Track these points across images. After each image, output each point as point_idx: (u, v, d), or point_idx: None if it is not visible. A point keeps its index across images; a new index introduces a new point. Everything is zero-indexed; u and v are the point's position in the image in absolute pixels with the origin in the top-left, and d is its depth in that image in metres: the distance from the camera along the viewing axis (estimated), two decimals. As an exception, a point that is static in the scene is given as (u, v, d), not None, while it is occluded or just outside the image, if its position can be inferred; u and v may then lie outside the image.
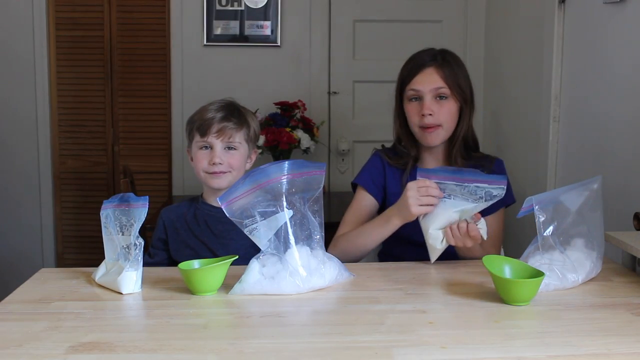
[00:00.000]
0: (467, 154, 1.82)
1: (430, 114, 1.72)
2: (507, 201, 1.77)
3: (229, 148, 1.72)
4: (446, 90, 1.74)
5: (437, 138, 1.76)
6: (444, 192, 1.56)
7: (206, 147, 1.72)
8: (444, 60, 1.76)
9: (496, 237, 1.77)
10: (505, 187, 1.52)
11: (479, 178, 1.53)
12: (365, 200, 1.81)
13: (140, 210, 1.40)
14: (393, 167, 1.83)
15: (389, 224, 1.63)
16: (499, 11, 3.42)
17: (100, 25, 3.60)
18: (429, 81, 1.74)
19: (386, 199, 1.82)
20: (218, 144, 1.71)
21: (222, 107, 1.75)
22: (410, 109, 1.76)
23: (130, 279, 1.39)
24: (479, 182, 1.53)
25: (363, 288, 1.44)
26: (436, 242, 1.57)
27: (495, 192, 1.52)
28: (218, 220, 1.70)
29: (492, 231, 1.72)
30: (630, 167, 2.06)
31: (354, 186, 1.86)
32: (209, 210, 1.75)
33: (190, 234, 1.76)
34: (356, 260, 1.71)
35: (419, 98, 1.75)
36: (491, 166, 1.81)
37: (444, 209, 1.56)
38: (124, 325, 1.20)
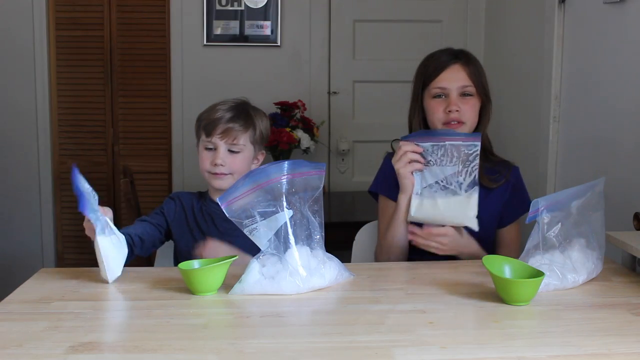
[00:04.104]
0: (484, 155, 1.80)
1: (457, 110, 1.73)
2: (526, 210, 1.79)
3: (233, 150, 1.73)
4: (472, 89, 1.75)
5: None
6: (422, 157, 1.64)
7: (211, 148, 1.73)
8: (468, 59, 1.78)
9: (515, 244, 1.81)
10: (479, 143, 1.59)
11: (454, 136, 1.61)
12: (388, 205, 1.80)
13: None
14: None
15: (399, 203, 1.69)
16: (499, 11, 3.42)
17: (100, 25, 3.60)
18: (455, 78, 1.74)
19: None
20: (222, 145, 1.72)
21: (231, 107, 1.76)
22: (435, 104, 1.75)
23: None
24: (453, 140, 1.59)
25: (363, 288, 1.44)
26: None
27: (468, 151, 1.58)
28: (223, 218, 1.69)
29: (510, 238, 1.80)
30: (631, 167, 2.06)
31: (374, 194, 1.87)
32: (215, 208, 1.74)
33: (196, 227, 1.76)
34: (406, 256, 1.75)
35: (444, 95, 1.75)
36: (508, 173, 1.81)
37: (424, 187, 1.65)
38: (124, 325, 1.20)
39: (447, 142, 1.59)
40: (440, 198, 1.62)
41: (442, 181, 1.61)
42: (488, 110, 1.80)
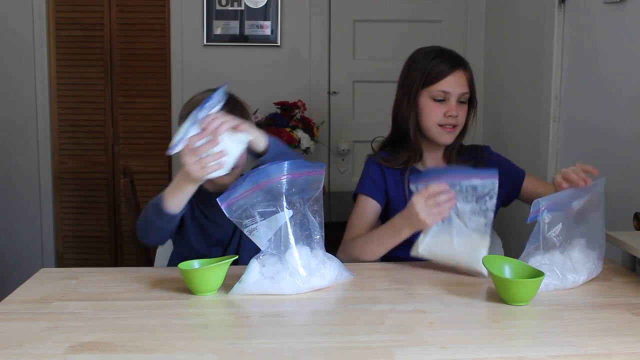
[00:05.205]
0: (459, 151, 1.86)
1: (456, 116, 1.76)
2: (521, 174, 1.85)
3: None
4: (468, 95, 1.79)
5: (454, 137, 1.80)
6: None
7: None
8: (466, 65, 1.80)
9: (542, 182, 1.88)
10: (497, 181, 1.50)
11: (470, 174, 1.53)
12: (369, 205, 1.80)
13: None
14: (391, 168, 1.83)
15: (400, 234, 1.61)
16: (499, 11, 3.42)
17: (100, 25, 3.60)
18: (459, 84, 1.76)
19: (389, 202, 1.82)
20: None
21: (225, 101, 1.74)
22: (435, 107, 1.76)
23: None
24: (471, 178, 1.51)
25: (363, 288, 1.44)
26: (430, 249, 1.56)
27: (484, 190, 1.50)
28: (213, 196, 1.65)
29: (536, 184, 1.84)
30: (631, 167, 2.06)
31: (356, 196, 1.85)
32: (210, 201, 1.70)
33: (202, 216, 1.73)
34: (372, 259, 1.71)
35: (444, 99, 1.76)
36: (483, 155, 1.86)
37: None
38: (124, 325, 1.20)
39: (463, 182, 1.51)
40: (452, 237, 1.52)
41: (455, 216, 1.52)
42: (473, 114, 1.84)
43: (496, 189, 1.49)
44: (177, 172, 1.52)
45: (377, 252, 1.67)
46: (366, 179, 1.84)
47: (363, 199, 1.82)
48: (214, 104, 1.43)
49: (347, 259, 1.65)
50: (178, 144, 1.39)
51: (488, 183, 1.50)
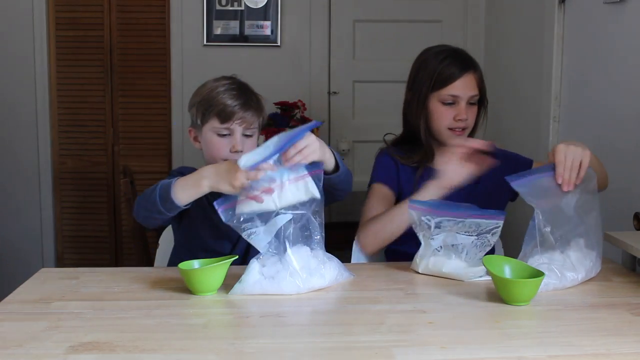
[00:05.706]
0: None
1: (466, 119, 1.75)
2: (529, 163, 1.83)
3: (246, 134, 1.69)
4: (477, 97, 1.78)
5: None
6: (438, 229, 1.52)
7: (225, 134, 1.67)
8: (475, 66, 1.79)
9: None
10: (502, 222, 1.47)
11: (475, 213, 1.49)
12: (384, 192, 1.79)
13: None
14: (405, 165, 1.82)
15: (427, 194, 1.64)
16: (499, 11, 3.43)
17: (100, 25, 3.60)
18: (468, 87, 1.75)
19: (400, 196, 1.81)
20: (239, 130, 1.67)
21: (238, 90, 1.69)
22: (444, 111, 1.75)
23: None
24: (475, 217, 1.49)
25: (363, 288, 1.44)
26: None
27: (489, 227, 1.47)
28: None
29: None
30: (631, 167, 2.06)
31: (369, 189, 1.84)
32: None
33: (207, 203, 1.67)
34: (389, 241, 1.71)
35: (454, 102, 1.75)
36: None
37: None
38: (124, 325, 1.20)
39: (467, 220, 1.49)
40: (448, 260, 1.51)
41: (453, 245, 1.51)
42: (483, 113, 1.82)
43: (499, 229, 1.48)
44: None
45: (390, 231, 1.67)
46: (380, 169, 1.83)
47: (378, 186, 1.81)
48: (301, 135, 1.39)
49: (371, 238, 1.67)
50: (249, 162, 1.35)
51: (492, 223, 1.48)
